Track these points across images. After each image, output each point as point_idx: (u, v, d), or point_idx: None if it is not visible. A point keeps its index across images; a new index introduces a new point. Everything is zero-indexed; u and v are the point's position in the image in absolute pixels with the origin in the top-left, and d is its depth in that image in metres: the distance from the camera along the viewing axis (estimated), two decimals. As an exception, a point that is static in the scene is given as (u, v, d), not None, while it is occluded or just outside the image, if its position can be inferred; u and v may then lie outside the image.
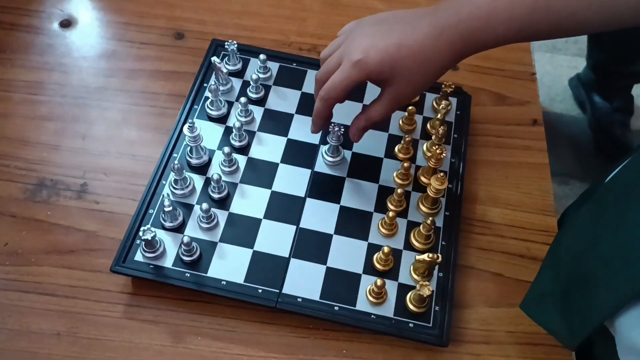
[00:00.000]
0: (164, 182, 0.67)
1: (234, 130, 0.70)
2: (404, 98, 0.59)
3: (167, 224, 0.64)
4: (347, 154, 0.71)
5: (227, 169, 0.68)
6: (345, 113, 0.75)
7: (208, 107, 0.73)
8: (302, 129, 0.73)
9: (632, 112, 1.74)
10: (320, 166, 0.70)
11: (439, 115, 0.73)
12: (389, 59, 0.56)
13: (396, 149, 0.72)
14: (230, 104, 0.74)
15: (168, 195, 0.66)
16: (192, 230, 0.64)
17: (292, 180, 0.69)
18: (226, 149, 0.67)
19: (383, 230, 0.66)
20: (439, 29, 0.55)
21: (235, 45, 0.75)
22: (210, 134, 0.71)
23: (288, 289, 0.61)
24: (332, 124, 0.67)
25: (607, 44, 1.63)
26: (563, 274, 0.56)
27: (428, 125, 0.75)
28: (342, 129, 0.67)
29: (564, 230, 0.59)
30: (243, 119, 0.72)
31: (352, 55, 0.57)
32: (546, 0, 0.52)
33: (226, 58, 0.77)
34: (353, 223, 0.66)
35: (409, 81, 0.57)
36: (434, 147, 0.68)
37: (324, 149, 0.71)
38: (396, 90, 0.58)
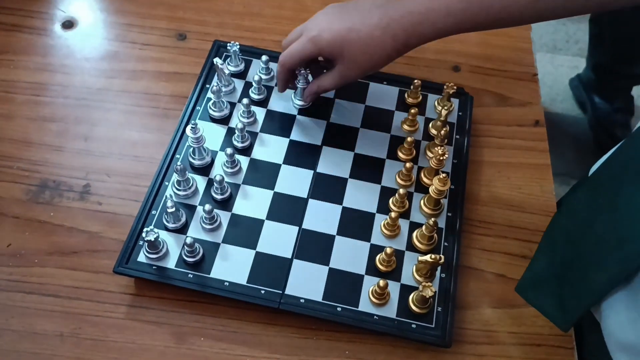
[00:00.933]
0: (166, 183, 0.67)
1: (236, 131, 0.70)
2: (349, 76, 0.66)
3: (170, 225, 0.64)
4: (350, 155, 0.71)
5: (229, 170, 0.69)
6: (349, 113, 0.75)
7: (210, 108, 0.73)
8: (304, 130, 0.73)
9: (633, 113, 1.73)
10: (324, 168, 0.70)
11: (441, 117, 0.73)
12: (339, 40, 0.63)
13: (398, 150, 0.72)
14: (232, 105, 0.74)
15: (171, 196, 0.66)
16: (195, 231, 0.65)
17: (294, 181, 0.69)
18: (229, 150, 0.67)
19: (385, 231, 0.66)
20: (385, 20, 0.62)
21: (238, 47, 0.75)
22: (212, 135, 0.71)
23: (291, 290, 0.61)
24: (299, 70, 0.70)
25: (608, 44, 1.63)
26: (557, 256, 0.57)
27: (430, 126, 0.75)
28: (308, 72, 0.71)
29: (560, 213, 0.60)
30: (245, 120, 0.73)
31: (310, 31, 0.65)
32: None
33: (228, 59, 0.78)
34: (355, 224, 0.66)
35: (354, 62, 0.64)
36: (436, 148, 0.68)
37: (292, 93, 0.74)
38: (343, 69, 0.65)
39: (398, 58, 0.65)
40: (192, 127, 0.65)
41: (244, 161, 0.70)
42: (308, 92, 0.71)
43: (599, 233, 0.52)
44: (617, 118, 1.70)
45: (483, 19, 0.59)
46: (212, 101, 0.73)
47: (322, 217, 0.66)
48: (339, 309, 0.61)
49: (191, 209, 0.66)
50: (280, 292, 0.61)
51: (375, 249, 0.65)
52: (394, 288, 0.62)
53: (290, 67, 0.68)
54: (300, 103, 0.74)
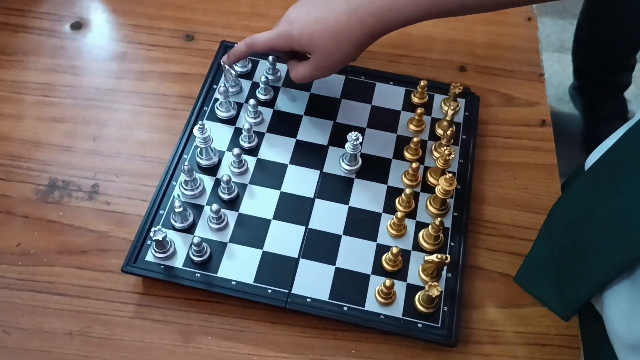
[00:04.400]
0: (174, 183, 0.68)
1: (243, 131, 0.70)
2: (322, 68, 0.66)
3: (178, 225, 0.65)
4: (356, 155, 0.72)
5: (236, 170, 0.69)
6: (356, 113, 0.75)
7: (218, 108, 0.73)
8: (311, 130, 0.73)
9: (626, 119, 1.71)
10: (330, 168, 0.70)
11: (447, 117, 0.73)
12: (308, 31, 0.63)
13: (405, 150, 0.72)
14: (239, 106, 0.75)
15: (178, 196, 0.67)
16: (202, 230, 0.65)
17: (301, 181, 0.69)
18: (236, 150, 0.67)
19: (392, 231, 0.66)
20: (352, 7, 0.61)
21: (245, 47, 0.76)
22: (220, 135, 0.72)
23: (297, 289, 0.62)
24: (353, 133, 0.67)
25: (586, 50, 1.63)
26: (557, 244, 0.57)
27: (436, 126, 0.75)
28: (360, 139, 0.67)
29: (559, 202, 0.60)
30: (252, 120, 0.73)
31: (281, 24, 0.66)
32: None
33: (235, 60, 0.78)
34: (362, 224, 0.67)
35: (325, 53, 0.64)
36: (442, 148, 0.69)
37: (341, 157, 0.71)
38: (316, 60, 0.65)
39: (370, 46, 0.65)
40: (199, 128, 0.66)
41: (251, 161, 0.70)
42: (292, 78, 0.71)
43: (600, 220, 0.51)
44: (609, 125, 1.68)
45: (454, 3, 0.59)
46: (219, 102, 0.73)
47: (328, 216, 0.67)
48: (345, 308, 0.61)
49: (198, 209, 0.66)
50: (287, 291, 0.62)
51: (381, 249, 0.65)
52: (400, 288, 0.63)
53: (254, 50, 0.68)
54: (349, 168, 0.70)
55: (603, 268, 0.50)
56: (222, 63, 0.73)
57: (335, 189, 0.69)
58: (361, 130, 0.74)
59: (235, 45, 0.71)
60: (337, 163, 0.71)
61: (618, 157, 0.54)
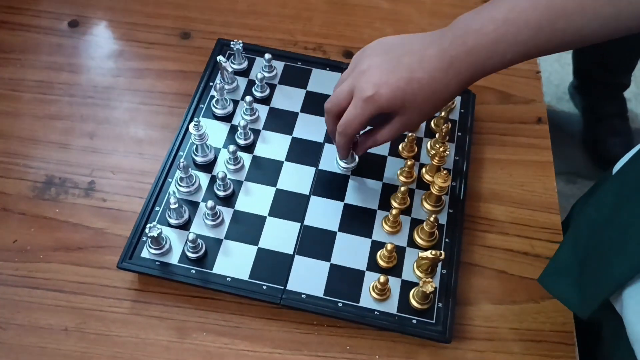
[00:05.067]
0: (170, 180, 0.68)
1: (239, 128, 0.70)
2: (411, 125, 0.61)
3: (173, 221, 0.65)
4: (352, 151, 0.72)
5: (232, 167, 0.69)
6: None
7: (214, 105, 0.74)
8: (306, 128, 0.73)
9: (627, 118, 1.70)
10: (326, 165, 0.71)
11: (442, 114, 0.73)
12: (401, 94, 0.57)
13: (400, 147, 0.72)
14: (235, 103, 0.75)
15: (174, 192, 0.67)
16: (198, 227, 0.65)
17: (296, 178, 0.69)
18: (231, 147, 0.68)
19: (387, 228, 0.66)
20: (447, 60, 0.55)
21: (241, 45, 0.76)
22: (215, 132, 0.72)
23: (292, 285, 0.62)
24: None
25: (588, 50, 1.62)
26: (582, 246, 0.56)
27: (432, 124, 0.75)
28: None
29: (587, 205, 0.60)
30: (248, 118, 0.73)
31: (364, 91, 0.58)
32: (551, 21, 0.52)
33: (232, 57, 0.78)
34: (357, 220, 0.67)
35: (419, 112, 0.59)
36: (437, 145, 0.69)
37: (338, 156, 0.70)
38: (405, 120, 0.59)
39: None
40: (195, 125, 0.66)
41: (246, 158, 0.71)
42: (361, 148, 0.65)
43: (623, 222, 0.51)
44: (609, 124, 1.67)
45: (554, 44, 0.54)
46: (215, 99, 0.73)
47: (323, 213, 0.67)
48: (340, 304, 0.61)
49: (194, 206, 0.67)
50: (282, 287, 0.62)
51: (376, 245, 0.65)
52: (394, 284, 0.63)
53: (352, 135, 0.62)
54: (347, 165, 0.70)
55: (623, 267, 0.50)
56: (218, 60, 0.73)
57: (330, 185, 0.69)
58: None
59: (336, 144, 0.64)
60: (333, 160, 0.71)
61: None
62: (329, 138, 0.73)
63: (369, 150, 0.71)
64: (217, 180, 0.66)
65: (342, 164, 0.70)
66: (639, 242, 0.49)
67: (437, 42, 0.57)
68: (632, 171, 0.54)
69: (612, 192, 0.56)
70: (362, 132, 0.64)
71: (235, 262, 0.63)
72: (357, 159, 0.70)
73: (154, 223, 0.62)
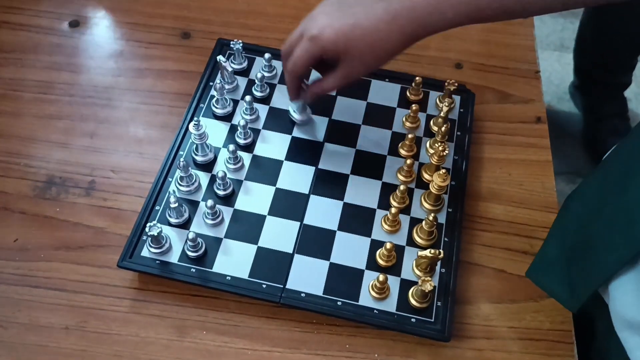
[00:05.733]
0: (170, 179, 0.68)
1: (239, 128, 0.71)
2: (355, 75, 0.63)
3: (173, 220, 0.65)
4: (351, 151, 0.72)
5: (232, 167, 0.69)
6: (351, 110, 0.76)
7: (214, 105, 0.74)
8: (306, 127, 0.74)
9: (627, 118, 1.71)
10: (325, 164, 0.71)
11: (442, 113, 0.73)
12: (343, 38, 0.59)
13: (399, 146, 0.73)
14: (235, 103, 0.75)
15: (174, 192, 0.67)
16: (198, 226, 0.65)
17: (296, 177, 0.70)
18: (231, 147, 0.68)
19: (386, 227, 0.66)
20: (391, 13, 0.58)
21: (241, 45, 0.76)
22: (215, 131, 0.72)
23: (292, 284, 0.62)
24: (305, 82, 0.68)
25: (590, 50, 1.62)
26: (568, 240, 0.57)
27: (431, 123, 0.75)
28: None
29: (571, 198, 0.60)
30: (248, 117, 0.73)
31: (310, 30, 0.61)
32: None
33: (232, 57, 0.78)
34: (356, 219, 0.67)
35: (360, 60, 0.61)
36: (436, 145, 0.69)
37: (291, 107, 0.72)
38: (349, 67, 0.62)
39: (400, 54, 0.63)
40: (194, 124, 0.66)
41: (246, 157, 0.71)
42: (311, 92, 0.67)
43: (608, 215, 0.52)
44: (609, 124, 1.68)
45: (495, 9, 0.56)
46: (215, 98, 0.74)
47: (323, 212, 0.67)
48: (339, 303, 0.62)
49: (194, 205, 0.67)
50: (282, 286, 0.62)
51: (375, 244, 0.65)
52: (394, 283, 0.63)
53: (297, 74, 0.65)
54: (299, 117, 0.73)
55: (609, 260, 0.51)
56: (218, 60, 0.73)
57: (330, 185, 0.69)
58: (357, 127, 0.74)
59: (286, 83, 0.67)
60: (333, 160, 0.71)
61: (626, 154, 0.54)
62: (329, 137, 0.73)
63: (366, 149, 0.72)
64: (217, 179, 0.66)
65: (295, 115, 0.72)
66: (625, 234, 0.50)
67: None
68: (615, 163, 0.55)
69: (596, 185, 0.56)
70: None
71: (235, 261, 0.63)
72: (310, 112, 0.72)
73: (154, 222, 0.62)
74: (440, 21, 0.58)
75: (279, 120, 0.74)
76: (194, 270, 0.63)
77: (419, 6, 0.57)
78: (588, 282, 0.54)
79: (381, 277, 0.60)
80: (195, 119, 0.67)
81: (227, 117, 0.74)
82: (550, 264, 0.59)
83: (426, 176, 0.70)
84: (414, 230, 0.66)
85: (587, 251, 0.54)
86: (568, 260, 0.57)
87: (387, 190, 0.69)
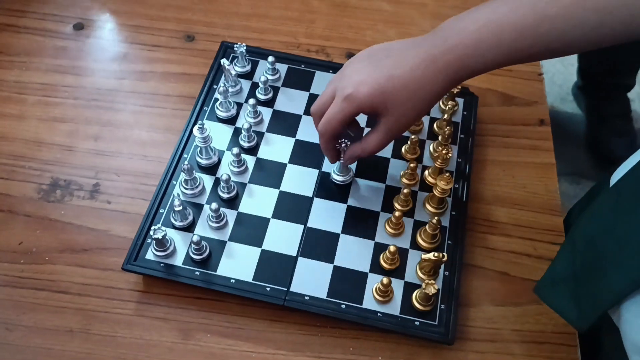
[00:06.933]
0: (174, 182, 0.68)
1: (242, 131, 0.71)
2: (398, 129, 0.60)
3: (178, 223, 0.65)
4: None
5: (236, 170, 0.70)
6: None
7: (217, 108, 0.74)
8: (310, 130, 0.74)
9: (630, 119, 1.70)
10: (329, 167, 0.71)
11: (445, 116, 0.73)
12: (380, 91, 0.57)
13: (403, 149, 0.73)
14: (239, 106, 0.75)
15: (178, 195, 0.67)
16: (202, 229, 0.66)
17: (300, 180, 0.70)
18: (235, 150, 0.68)
19: (389, 230, 0.66)
20: (428, 58, 0.56)
21: (244, 48, 0.76)
22: (219, 135, 0.73)
23: (296, 287, 0.62)
24: (340, 142, 0.64)
25: (594, 51, 1.62)
26: (578, 259, 0.56)
27: (435, 126, 0.75)
28: (349, 143, 0.65)
29: (583, 217, 0.60)
30: (252, 120, 0.74)
31: (344, 90, 0.58)
32: (534, 24, 0.52)
33: (235, 60, 0.79)
34: (360, 222, 0.67)
35: (401, 112, 0.58)
36: (440, 148, 0.69)
37: (333, 168, 0.70)
38: (390, 121, 0.59)
39: None
40: (199, 127, 0.67)
41: (250, 160, 0.71)
42: (349, 156, 0.65)
43: (620, 236, 0.51)
44: (612, 125, 1.67)
45: (537, 49, 0.54)
46: (219, 101, 0.74)
47: (327, 215, 0.67)
48: (343, 306, 0.62)
49: (198, 208, 0.67)
50: (286, 289, 0.62)
51: (379, 247, 0.65)
52: (397, 286, 0.63)
53: (332, 134, 0.62)
54: (343, 179, 0.69)
55: (621, 282, 0.50)
56: (222, 63, 0.73)
57: (333, 188, 0.69)
58: (359, 130, 0.74)
59: (321, 145, 0.64)
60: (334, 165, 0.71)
61: None
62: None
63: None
64: (221, 182, 0.66)
65: (336, 177, 0.70)
66: (636, 258, 0.49)
67: (418, 43, 0.57)
68: (630, 184, 0.54)
69: (609, 205, 0.55)
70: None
71: (239, 263, 0.64)
72: (352, 172, 0.70)
73: (159, 225, 0.62)
74: (481, 64, 0.55)
75: (282, 123, 0.74)
76: (198, 273, 0.63)
77: (457, 49, 0.55)
78: (598, 302, 0.53)
79: (385, 280, 0.60)
80: (199, 122, 0.67)
81: (231, 120, 0.74)
82: (559, 281, 0.58)
83: (430, 179, 0.71)
84: (418, 233, 0.66)
85: (597, 270, 0.53)
86: (576, 279, 0.56)
87: (391, 193, 0.69)
